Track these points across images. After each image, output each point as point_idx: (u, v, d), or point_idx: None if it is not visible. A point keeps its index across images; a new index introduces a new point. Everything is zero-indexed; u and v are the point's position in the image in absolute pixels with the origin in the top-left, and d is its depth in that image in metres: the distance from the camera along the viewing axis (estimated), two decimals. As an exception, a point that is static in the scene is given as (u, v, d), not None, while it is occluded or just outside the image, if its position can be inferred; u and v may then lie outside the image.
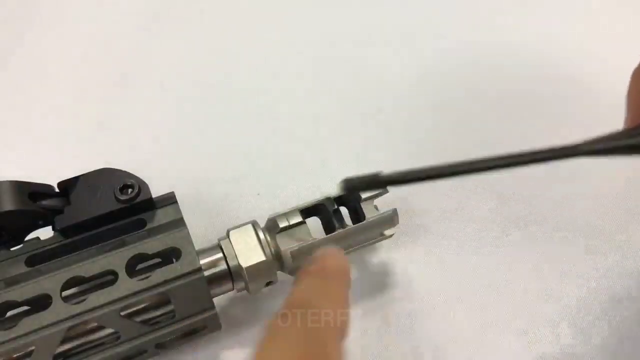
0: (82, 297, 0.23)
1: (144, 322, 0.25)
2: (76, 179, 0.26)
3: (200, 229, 0.31)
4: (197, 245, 0.25)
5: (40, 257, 0.25)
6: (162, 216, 0.26)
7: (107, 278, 0.24)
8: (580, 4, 0.41)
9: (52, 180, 0.26)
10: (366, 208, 0.27)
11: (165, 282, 0.23)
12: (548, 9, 0.42)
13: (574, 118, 0.35)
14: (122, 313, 0.23)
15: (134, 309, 0.25)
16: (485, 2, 0.44)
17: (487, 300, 0.29)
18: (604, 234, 0.31)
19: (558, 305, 0.28)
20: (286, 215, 0.26)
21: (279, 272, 0.27)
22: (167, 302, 0.25)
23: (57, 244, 0.25)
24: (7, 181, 0.24)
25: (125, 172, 0.26)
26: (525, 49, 0.39)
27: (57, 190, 0.26)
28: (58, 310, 0.22)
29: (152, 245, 0.24)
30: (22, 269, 0.24)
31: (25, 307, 0.24)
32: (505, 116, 0.35)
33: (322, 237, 0.26)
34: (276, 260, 0.26)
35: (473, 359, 0.27)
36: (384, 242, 0.30)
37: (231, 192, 0.33)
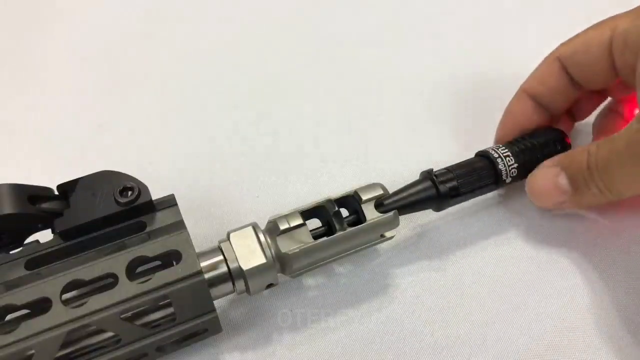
0: (82, 301, 0.23)
1: (144, 325, 0.24)
2: (75, 181, 0.26)
3: (200, 232, 0.31)
4: (197, 248, 0.25)
5: (40, 261, 0.25)
6: (162, 219, 0.26)
7: (107, 281, 0.24)
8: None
9: (52, 182, 0.26)
10: (366, 210, 0.27)
11: (166, 285, 0.23)
12: (548, 15, 0.43)
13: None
14: (122, 316, 0.23)
15: (135, 312, 0.25)
16: (486, 3, 0.44)
17: (487, 301, 0.29)
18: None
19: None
20: (286, 217, 0.26)
21: (279, 274, 0.26)
22: (167, 305, 0.25)
23: (56, 247, 0.25)
24: (7, 184, 0.24)
25: (125, 174, 0.26)
26: (523, 52, 0.39)
27: (56, 193, 0.26)
28: (58, 313, 0.22)
29: (152, 248, 0.24)
30: (22, 272, 0.24)
31: (25, 311, 0.24)
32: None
33: (323, 239, 0.26)
34: (277, 262, 0.26)
35: (472, 358, 0.27)
36: (385, 244, 0.30)
37: (231, 194, 0.33)
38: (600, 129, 0.32)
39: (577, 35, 0.30)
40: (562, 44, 0.31)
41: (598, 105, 0.33)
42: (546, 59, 0.31)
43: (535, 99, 0.31)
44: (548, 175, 0.28)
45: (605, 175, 0.26)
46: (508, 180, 0.30)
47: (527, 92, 0.31)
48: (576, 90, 0.31)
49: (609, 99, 0.33)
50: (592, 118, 0.34)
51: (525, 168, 0.30)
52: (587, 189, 0.27)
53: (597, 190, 0.26)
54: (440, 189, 0.28)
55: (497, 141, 0.33)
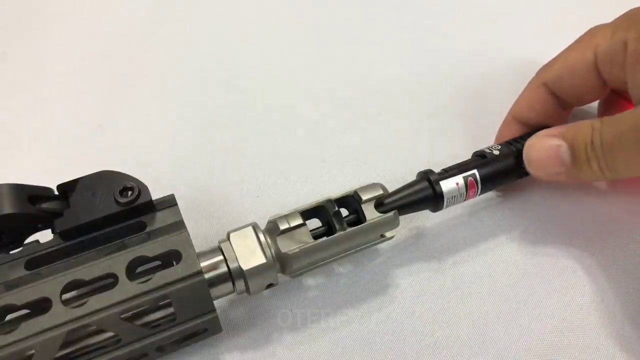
0: (82, 301, 0.23)
1: (144, 325, 0.24)
2: (75, 181, 0.26)
3: (200, 232, 0.31)
4: (197, 248, 0.25)
5: (40, 260, 0.25)
6: (162, 219, 0.26)
7: (107, 281, 0.24)
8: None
9: (52, 182, 0.26)
10: (366, 210, 0.27)
11: (166, 285, 0.23)
12: (548, 15, 0.43)
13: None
14: (122, 316, 0.23)
15: (135, 312, 0.25)
16: (486, 3, 0.44)
17: (487, 301, 0.29)
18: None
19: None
20: (286, 217, 0.26)
21: (279, 274, 0.26)
22: (167, 305, 0.25)
23: (56, 247, 0.25)
24: (7, 184, 0.24)
25: (124, 174, 0.26)
26: (523, 53, 0.39)
27: (56, 193, 0.26)
28: (58, 314, 0.22)
29: (152, 248, 0.24)
30: (22, 272, 0.24)
31: (25, 311, 0.24)
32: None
33: (323, 239, 0.26)
34: (277, 262, 0.26)
35: (473, 358, 0.27)
36: (385, 244, 0.30)
37: (231, 194, 0.33)
38: (604, 112, 0.33)
39: (558, 58, 0.30)
40: (545, 68, 0.31)
41: None
42: (530, 84, 0.32)
43: (526, 124, 0.32)
44: (549, 145, 0.28)
45: (608, 154, 0.25)
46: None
47: (516, 119, 0.32)
48: (565, 110, 0.32)
49: None
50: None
51: (523, 168, 0.30)
52: (587, 165, 0.26)
53: (597, 167, 0.26)
54: (437, 189, 0.28)
55: None
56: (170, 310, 0.25)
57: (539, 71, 0.31)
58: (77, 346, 0.24)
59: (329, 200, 0.27)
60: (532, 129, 0.31)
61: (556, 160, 0.27)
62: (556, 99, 0.31)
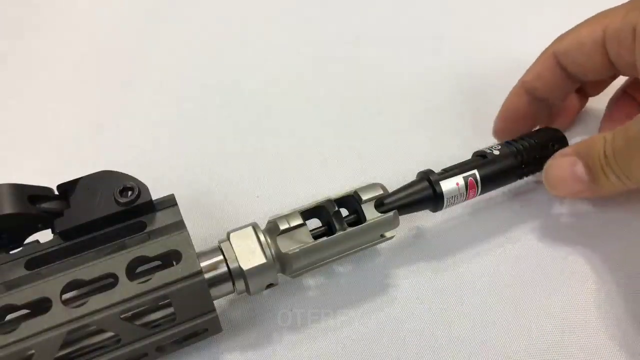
0: (82, 301, 0.23)
1: (144, 325, 0.24)
2: (76, 181, 0.26)
3: (200, 231, 0.31)
4: (197, 248, 0.25)
5: (40, 260, 0.25)
6: (162, 219, 0.26)
7: (107, 281, 0.24)
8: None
9: (52, 182, 0.26)
10: (366, 210, 0.27)
11: (166, 285, 0.23)
12: (548, 15, 0.43)
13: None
14: (122, 316, 0.23)
15: (135, 312, 0.25)
16: (486, 3, 0.44)
17: (487, 301, 0.29)
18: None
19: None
20: (286, 217, 0.26)
21: (279, 274, 0.26)
22: (167, 305, 0.25)
23: (56, 247, 0.25)
24: (7, 184, 0.24)
25: (125, 174, 0.26)
26: (524, 53, 0.39)
27: (56, 193, 0.26)
28: (58, 313, 0.22)
29: (152, 248, 0.24)
30: (22, 272, 0.24)
31: (25, 311, 0.24)
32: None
33: (323, 239, 0.26)
34: (277, 262, 0.26)
35: (473, 358, 0.27)
36: (385, 244, 0.30)
37: (231, 193, 0.33)
38: (613, 111, 0.33)
39: (570, 32, 0.31)
40: (557, 40, 0.31)
41: (612, 81, 0.34)
42: (542, 54, 0.32)
43: (532, 93, 0.32)
44: (564, 164, 0.28)
45: (621, 162, 0.25)
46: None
47: (525, 88, 0.32)
48: (573, 83, 0.32)
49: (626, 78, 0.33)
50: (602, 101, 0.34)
51: (523, 168, 0.30)
52: (605, 177, 0.26)
53: (616, 178, 0.26)
54: (437, 189, 0.28)
55: (495, 133, 0.33)
56: (170, 310, 0.25)
57: (553, 41, 0.32)
58: (77, 346, 0.24)
59: (329, 200, 0.27)
60: (539, 104, 0.32)
61: (574, 178, 0.27)
62: (563, 70, 0.31)
